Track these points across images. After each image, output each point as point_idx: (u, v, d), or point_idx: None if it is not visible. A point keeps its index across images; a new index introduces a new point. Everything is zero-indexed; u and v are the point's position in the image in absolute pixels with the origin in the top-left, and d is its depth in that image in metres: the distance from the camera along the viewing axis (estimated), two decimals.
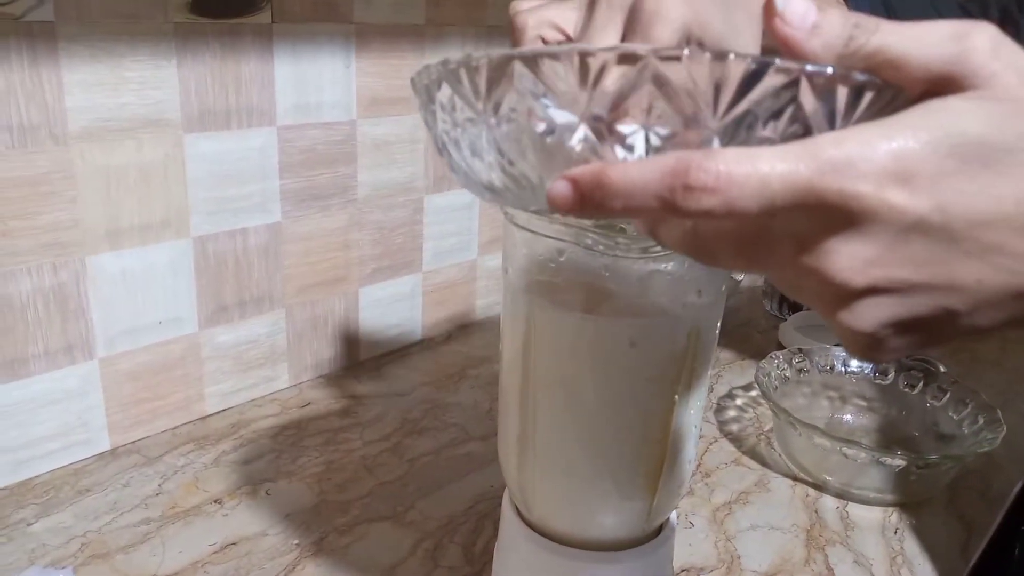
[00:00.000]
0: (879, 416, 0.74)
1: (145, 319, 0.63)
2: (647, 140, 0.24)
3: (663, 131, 0.24)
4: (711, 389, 0.80)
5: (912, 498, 0.63)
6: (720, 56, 0.23)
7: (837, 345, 0.77)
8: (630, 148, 0.24)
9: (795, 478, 0.66)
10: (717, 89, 0.23)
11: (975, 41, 0.23)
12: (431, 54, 0.78)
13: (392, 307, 0.83)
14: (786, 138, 0.23)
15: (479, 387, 0.78)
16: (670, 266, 0.40)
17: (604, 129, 0.24)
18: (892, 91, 0.24)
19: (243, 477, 0.62)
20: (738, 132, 0.24)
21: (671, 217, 0.23)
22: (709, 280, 0.41)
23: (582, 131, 0.24)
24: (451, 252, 0.88)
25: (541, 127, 0.25)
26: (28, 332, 0.57)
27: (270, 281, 0.71)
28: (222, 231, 0.66)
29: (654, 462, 0.42)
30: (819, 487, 0.65)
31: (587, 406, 0.41)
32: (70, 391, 0.60)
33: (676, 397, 0.41)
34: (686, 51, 0.23)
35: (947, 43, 0.23)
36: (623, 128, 0.24)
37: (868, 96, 0.24)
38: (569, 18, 0.37)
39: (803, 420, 0.63)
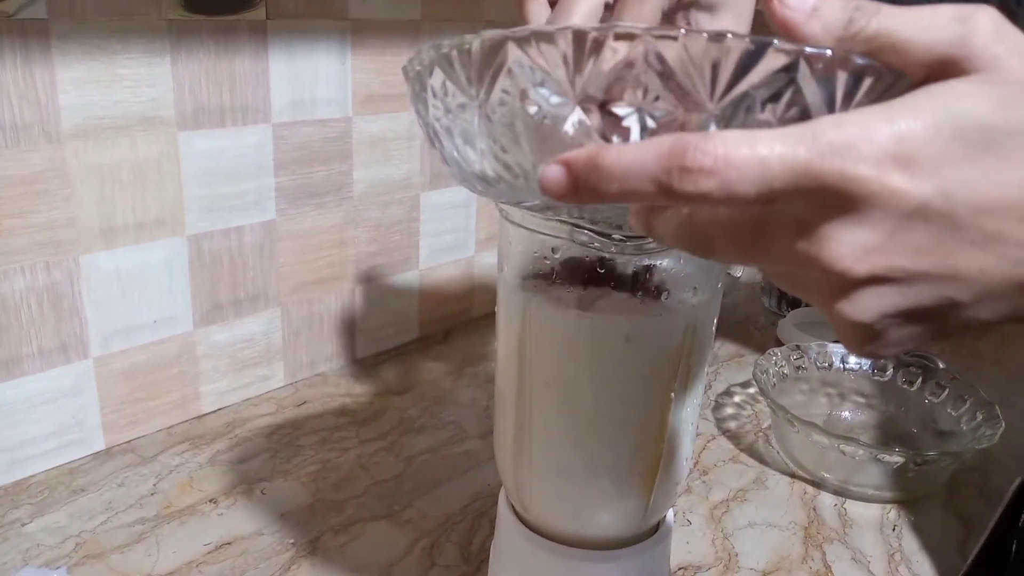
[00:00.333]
0: (877, 413, 0.74)
1: (140, 318, 0.63)
2: (643, 123, 0.24)
3: (659, 113, 0.23)
4: (708, 386, 0.80)
5: (910, 495, 0.63)
6: (717, 36, 0.22)
7: (836, 342, 0.77)
8: (625, 132, 0.24)
9: (793, 475, 0.66)
10: (714, 70, 0.22)
11: (977, 24, 0.23)
12: None
13: (388, 305, 0.83)
14: (784, 122, 0.23)
15: (476, 385, 0.78)
16: (666, 263, 0.40)
17: (598, 111, 0.24)
18: (892, 76, 0.24)
19: (238, 476, 0.62)
20: (736, 115, 0.23)
21: (667, 201, 0.23)
22: (705, 277, 0.41)
23: (576, 114, 0.24)
24: (448, 249, 0.87)
25: (534, 109, 0.25)
26: (22, 331, 0.57)
27: (265, 279, 0.71)
28: (217, 229, 0.66)
29: (650, 460, 0.42)
30: (817, 484, 0.65)
31: (583, 404, 0.41)
32: (64, 390, 0.60)
33: (672, 394, 0.41)
34: (682, 30, 0.22)
35: (949, 26, 0.23)
36: (618, 110, 0.24)
37: (868, 81, 0.23)
38: None
39: (801, 417, 0.62)
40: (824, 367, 0.75)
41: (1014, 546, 0.53)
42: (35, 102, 0.53)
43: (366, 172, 0.76)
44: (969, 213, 0.22)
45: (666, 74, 0.23)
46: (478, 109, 0.25)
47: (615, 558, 0.44)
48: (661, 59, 0.23)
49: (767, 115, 0.23)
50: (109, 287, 0.60)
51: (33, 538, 0.54)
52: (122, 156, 0.58)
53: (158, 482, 0.60)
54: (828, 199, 0.22)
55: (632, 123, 0.24)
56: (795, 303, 0.98)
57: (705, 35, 0.22)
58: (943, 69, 0.23)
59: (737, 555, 0.56)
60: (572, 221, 0.37)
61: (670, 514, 0.47)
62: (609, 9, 0.36)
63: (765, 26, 0.25)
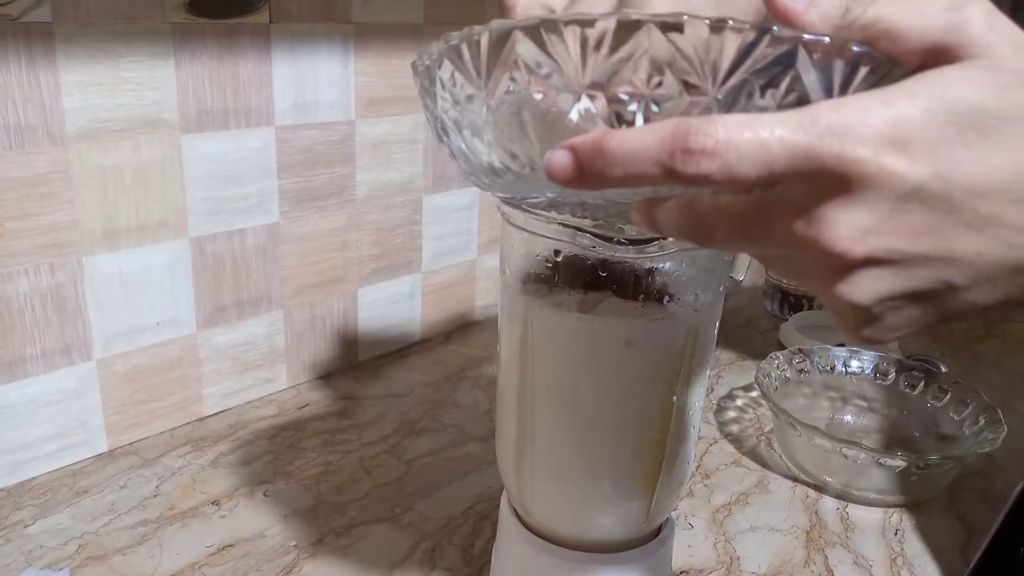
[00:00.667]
0: (880, 417, 0.73)
1: (143, 320, 0.63)
2: (646, 109, 0.24)
3: (662, 100, 0.24)
4: (711, 390, 0.80)
5: (913, 499, 0.63)
6: (719, 23, 0.23)
7: (839, 345, 0.77)
8: (630, 118, 0.25)
9: (795, 479, 0.66)
10: (716, 56, 0.23)
11: (970, 12, 0.23)
12: None
13: (391, 308, 0.83)
14: (783, 108, 0.24)
15: (478, 388, 0.78)
16: (668, 266, 0.40)
17: (603, 98, 0.24)
18: (888, 64, 0.24)
19: (241, 478, 0.62)
20: (737, 101, 0.24)
21: (671, 182, 0.23)
22: (707, 280, 0.41)
23: (582, 102, 0.24)
24: (450, 252, 0.87)
25: (540, 96, 0.25)
26: (25, 333, 0.57)
27: (268, 282, 0.71)
28: (220, 232, 0.66)
29: (652, 463, 0.42)
30: (819, 488, 0.65)
31: (585, 407, 0.41)
32: (67, 392, 0.60)
33: (674, 398, 0.41)
34: (685, 18, 0.23)
35: (943, 13, 0.24)
36: (622, 96, 0.24)
37: (864, 70, 0.24)
38: None
39: (803, 421, 0.62)
40: (826, 371, 0.75)
41: (1022, 550, 0.52)
42: (39, 104, 0.53)
43: (369, 175, 0.76)
44: (964, 196, 0.23)
45: (669, 61, 0.23)
46: (486, 100, 0.26)
47: (617, 561, 0.44)
48: (664, 46, 0.23)
49: (767, 101, 0.24)
50: (112, 289, 0.60)
51: (36, 540, 0.54)
52: (125, 159, 0.58)
53: (161, 484, 0.61)
54: (827, 181, 0.22)
55: (636, 110, 0.24)
56: (797, 307, 0.98)
57: (707, 22, 0.23)
58: (937, 56, 0.24)
59: (739, 559, 0.56)
60: (574, 223, 0.37)
61: (672, 517, 0.47)
62: None
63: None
